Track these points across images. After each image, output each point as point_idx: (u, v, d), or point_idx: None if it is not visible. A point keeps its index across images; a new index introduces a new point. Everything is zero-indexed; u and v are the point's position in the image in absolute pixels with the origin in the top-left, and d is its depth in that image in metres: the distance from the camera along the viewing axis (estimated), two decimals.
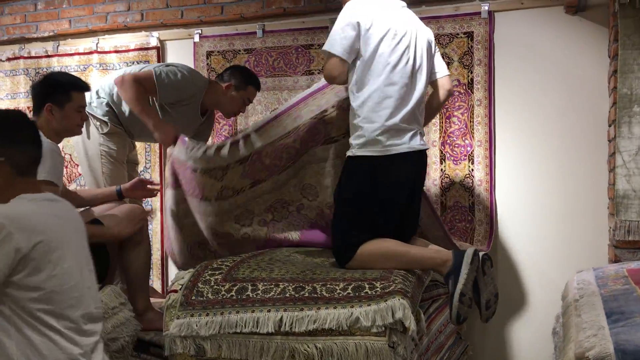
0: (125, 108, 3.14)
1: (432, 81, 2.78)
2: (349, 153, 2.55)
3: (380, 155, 2.47)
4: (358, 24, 2.47)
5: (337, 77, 2.56)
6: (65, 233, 1.74)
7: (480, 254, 2.38)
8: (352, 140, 2.54)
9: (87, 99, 3.18)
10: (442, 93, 2.79)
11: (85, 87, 2.73)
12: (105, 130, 3.15)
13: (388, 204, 2.49)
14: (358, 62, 2.52)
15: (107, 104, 3.16)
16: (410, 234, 2.66)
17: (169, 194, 2.82)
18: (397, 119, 2.47)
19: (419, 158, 2.58)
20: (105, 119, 3.15)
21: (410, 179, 2.55)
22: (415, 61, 2.55)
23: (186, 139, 2.81)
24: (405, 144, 2.49)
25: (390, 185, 2.48)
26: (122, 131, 3.21)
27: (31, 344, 1.60)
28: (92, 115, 3.14)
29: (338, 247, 2.53)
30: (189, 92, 3.11)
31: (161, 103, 3.10)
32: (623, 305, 1.83)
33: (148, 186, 3.06)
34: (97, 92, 3.20)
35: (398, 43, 2.51)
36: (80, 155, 3.23)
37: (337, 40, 2.49)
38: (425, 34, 2.66)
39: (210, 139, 3.53)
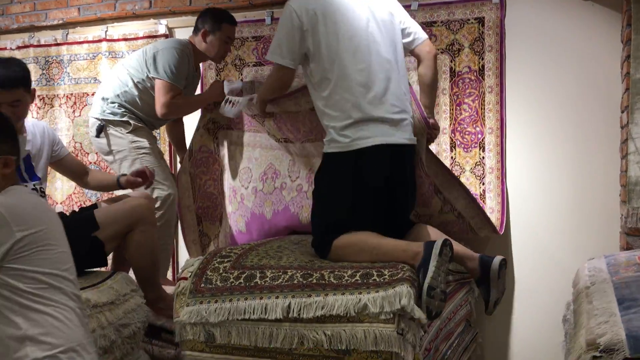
0: (136, 99, 3.21)
1: (411, 51, 2.65)
2: (323, 150, 2.49)
3: (344, 152, 2.38)
4: (299, 27, 2.40)
5: (284, 87, 2.56)
6: (55, 222, 1.79)
7: (497, 259, 2.30)
8: (324, 138, 2.48)
9: (97, 109, 3.24)
10: (427, 61, 2.63)
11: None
12: (129, 128, 3.20)
13: (359, 200, 2.40)
14: (311, 63, 2.43)
15: (120, 105, 3.21)
16: (401, 229, 2.53)
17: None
18: (361, 109, 2.36)
19: (397, 151, 2.42)
20: (125, 118, 3.20)
21: (381, 174, 2.39)
22: (372, 39, 2.42)
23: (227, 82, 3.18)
24: (376, 136, 2.36)
25: (357, 180, 2.38)
26: (143, 125, 3.26)
27: (40, 316, 1.63)
28: (109, 121, 3.19)
29: (314, 243, 2.50)
30: (188, 61, 3.20)
31: None
32: (635, 292, 1.83)
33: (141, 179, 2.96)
34: (102, 99, 3.23)
35: (347, 31, 2.40)
36: (119, 166, 3.22)
37: (278, 47, 2.44)
38: (383, 4, 2.52)
39: None
